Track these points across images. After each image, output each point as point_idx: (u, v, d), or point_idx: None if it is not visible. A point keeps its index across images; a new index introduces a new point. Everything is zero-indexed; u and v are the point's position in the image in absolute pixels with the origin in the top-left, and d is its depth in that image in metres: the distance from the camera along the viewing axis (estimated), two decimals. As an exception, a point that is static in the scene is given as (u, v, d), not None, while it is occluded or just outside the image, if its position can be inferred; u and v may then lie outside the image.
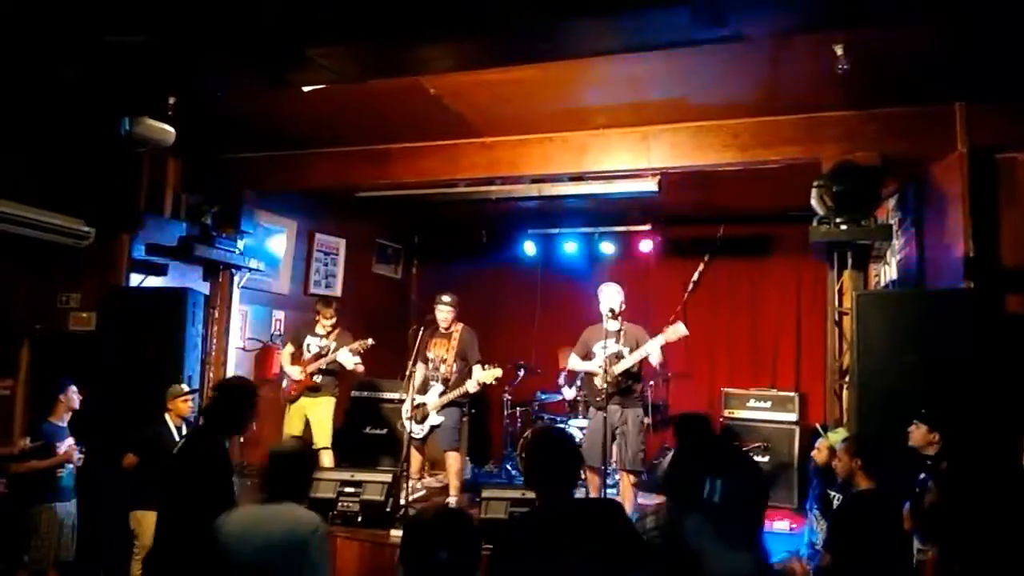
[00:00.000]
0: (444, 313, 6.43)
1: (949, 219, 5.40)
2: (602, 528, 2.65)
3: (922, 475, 4.05)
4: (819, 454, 4.78)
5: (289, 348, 6.97)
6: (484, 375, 6.22)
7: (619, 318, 6.07)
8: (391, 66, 4.35)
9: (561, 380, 7.97)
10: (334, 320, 6.98)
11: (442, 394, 6.26)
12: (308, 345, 6.90)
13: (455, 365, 6.35)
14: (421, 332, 6.44)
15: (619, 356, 5.93)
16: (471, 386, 6.24)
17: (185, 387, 5.52)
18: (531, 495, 5.26)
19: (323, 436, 6.73)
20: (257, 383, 7.74)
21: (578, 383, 7.44)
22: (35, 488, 5.22)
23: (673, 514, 2.30)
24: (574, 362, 6.31)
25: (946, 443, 4.12)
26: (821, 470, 4.75)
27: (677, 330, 5.96)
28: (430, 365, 6.39)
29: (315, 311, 7.10)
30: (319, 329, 6.96)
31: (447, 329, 6.46)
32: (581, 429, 7.55)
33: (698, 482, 1.65)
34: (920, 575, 3.73)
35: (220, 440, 3.84)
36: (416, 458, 6.39)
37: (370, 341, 6.74)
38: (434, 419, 6.24)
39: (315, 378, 6.76)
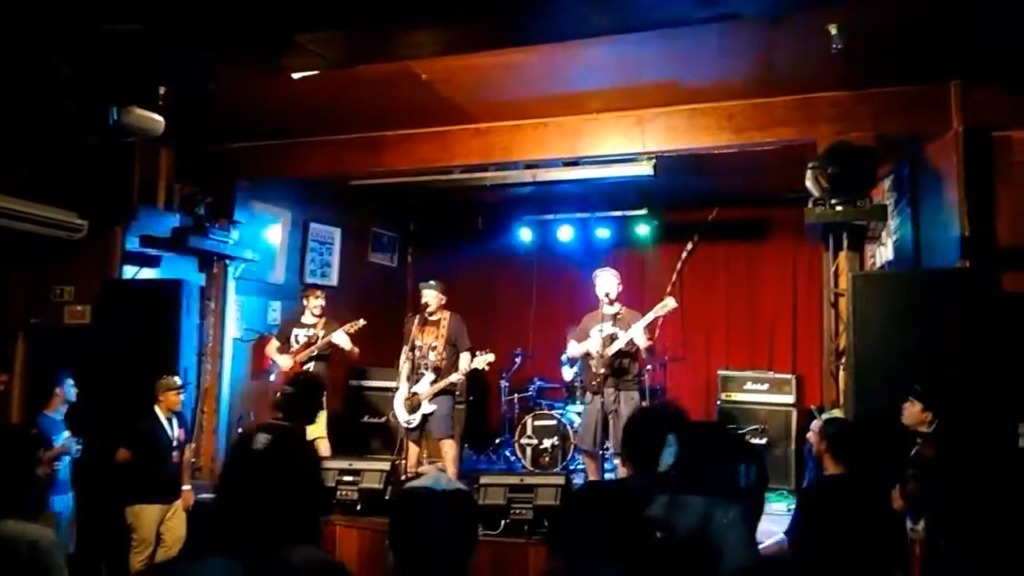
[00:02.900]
0: (428, 297, 6.40)
1: (945, 198, 5.39)
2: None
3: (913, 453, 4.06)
4: (814, 436, 4.78)
5: (275, 343, 6.92)
6: (478, 361, 6.24)
7: (616, 303, 6.13)
8: (379, 51, 4.31)
9: (563, 359, 7.93)
10: (323, 304, 6.93)
11: (433, 382, 6.25)
12: (296, 336, 6.85)
13: (445, 352, 6.34)
14: (414, 321, 6.43)
15: (613, 338, 5.98)
16: (455, 376, 6.25)
17: (178, 380, 5.49)
18: (529, 481, 5.34)
19: (316, 426, 6.69)
20: (254, 374, 7.83)
21: (577, 368, 7.47)
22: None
23: (701, 508, 2.22)
24: (572, 347, 6.38)
25: (940, 423, 4.12)
26: (811, 451, 4.76)
27: (665, 304, 6.04)
28: (417, 353, 6.36)
29: (303, 297, 7.07)
30: (306, 319, 6.93)
31: (434, 317, 6.44)
32: (579, 414, 7.59)
33: (731, 470, 1.57)
34: (911, 553, 3.74)
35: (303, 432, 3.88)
36: (413, 449, 6.39)
37: (361, 321, 6.71)
38: (426, 407, 6.22)
39: (306, 367, 6.72)
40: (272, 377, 6.85)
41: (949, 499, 3.52)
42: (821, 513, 3.59)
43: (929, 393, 4.21)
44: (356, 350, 6.80)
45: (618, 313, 6.11)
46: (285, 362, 6.74)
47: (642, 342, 5.96)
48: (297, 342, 6.83)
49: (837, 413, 4.81)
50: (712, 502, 2.41)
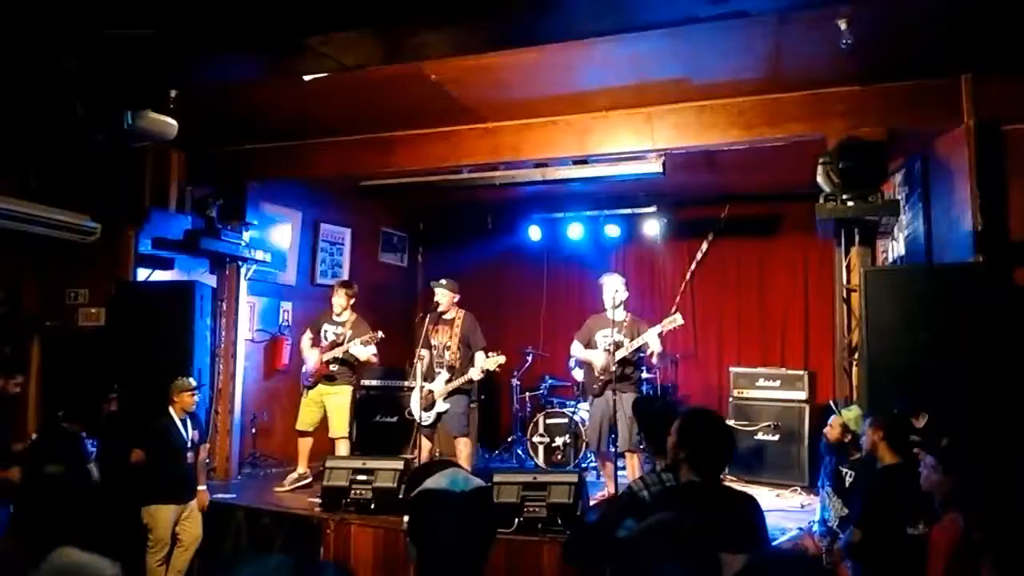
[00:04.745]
0: (440, 296, 6.42)
1: (956, 193, 5.36)
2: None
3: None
4: (832, 431, 4.77)
5: (308, 335, 6.93)
6: (488, 362, 6.27)
7: (622, 308, 6.24)
8: (391, 53, 4.31)
9: (572, 364, 8.00)
10: (351, 302, 6.89)
11: (448, 381, 6.28)
12: (325, 332, 6.85)
13: (459, 351, 6.36)
14: (426, 319, 6.45)
15: (619, 345, 6.09)
16: (474, 374, 6.27)
17: (192, 381, 5.52)
18: (542, 479, 5.35)
19: (340, 425, 6.72)
20: (267, 374, 7.88)
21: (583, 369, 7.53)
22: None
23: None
24: (577, 350, 6.47)
25: (930, 419, 4.17)
26: (833, 447, 4.75)
27: (674, 320, 6.22)
28: (434, 352, 6.40)
29: (332, 293, 7.01)
30: (335, 316, 6.89)
31: (448, 315, 6.46)
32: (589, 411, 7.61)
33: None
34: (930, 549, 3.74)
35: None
36: (426, 445, 6.41)
37: (380, 334, 6.71)
38: (440, 406, 6.26)
39: (331, 367, 6.73)
40: (304, 370, 6.84)
41: (984, 493, 3.53)
42: (886, 501, 3.67)
43: (916, 399, 4.29)
44: (373, 360, 6.83)
45: (624, 320, 6.23)
46: (313, 358, 6.76)
47: (657, 347, 6.13)
48: (326, 338, 6.82)
49: (855, 409, 4.80)
50: None
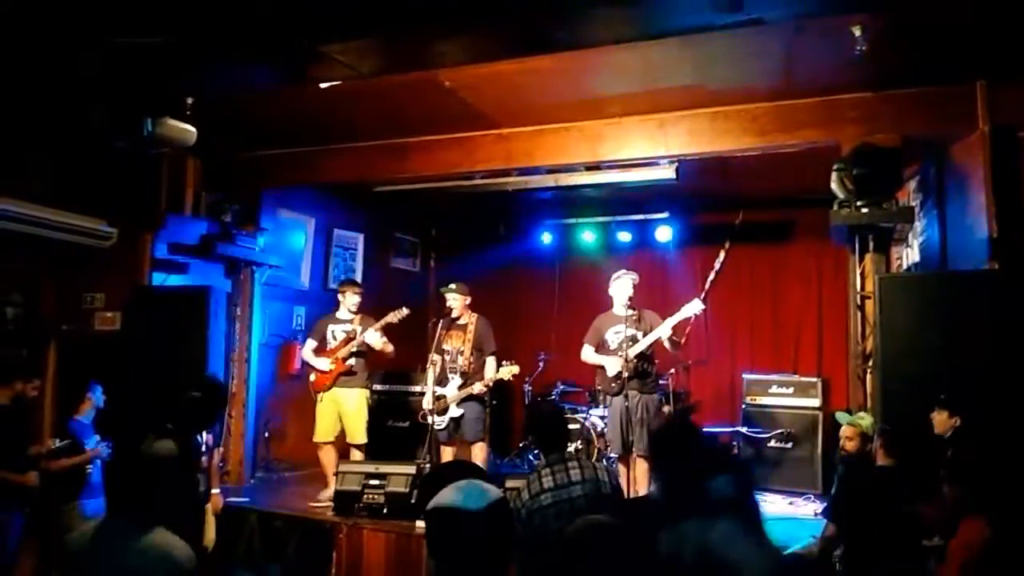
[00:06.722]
0: (451, 300, 6.36)
1: (971, 199, 5.34)
2: None
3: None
4: (851, 443, 4.71)
5: (310, 343, 6.70)
6: (501, 372, 6.19)
7: (632, 305, 6.09)
8: (407, 60, 4.36)
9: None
10: (359, 300, 6.68)
11: (461, 387, 6.25)
12: (332, 332, 6.63)
13: (472, 357, 6.33)
14: (439, 324, 6.44)
15: (634, 339, 5.95)
16: (477, 388, 6.18)
17: None
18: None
19: (357, 432, 6.54)
20: (280, 378, 7.90)
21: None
22: (66, 485, 5.30)
23: (696, 533, 2.21)
24: (588, 354, 6.26)
25: (965, 427, 4.13)
26: (854, 457, 4.70)
27: (692, 306, 5.98)
28: (447, 357, 6.37)
29: (339, 292, 6.78)
30: (341, 314, 6.67)
31: (462, 320, 6.43)
32: (602, 418, 7.56)
33: (701, 486, 1.57)
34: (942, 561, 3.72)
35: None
36: (448, 451, 6.38)
37: (405, 310, 6.48)
38: (454, 411, 6.23)
39: (348, 362, 6.51)
40: (312, 378, 6.71)
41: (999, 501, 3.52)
42: (861, 496, 3.74)
43: (953, 399, 4.23)
44: (389, 348, 6.57)
45: (635, 315, 6.06)
46: (323, 364, 6.51)
47: (665, 333, 5.90)
48: (334, 339, 6.61)
49: (867, 416, 4.77)
50: (703, 523, 2.33)
